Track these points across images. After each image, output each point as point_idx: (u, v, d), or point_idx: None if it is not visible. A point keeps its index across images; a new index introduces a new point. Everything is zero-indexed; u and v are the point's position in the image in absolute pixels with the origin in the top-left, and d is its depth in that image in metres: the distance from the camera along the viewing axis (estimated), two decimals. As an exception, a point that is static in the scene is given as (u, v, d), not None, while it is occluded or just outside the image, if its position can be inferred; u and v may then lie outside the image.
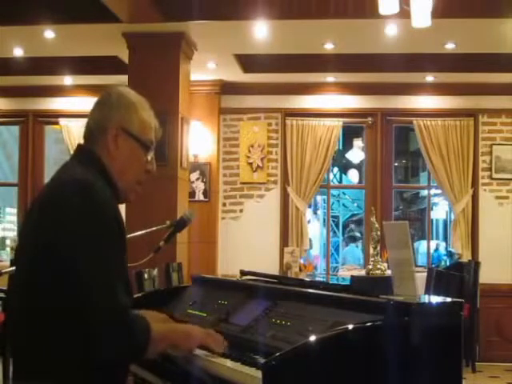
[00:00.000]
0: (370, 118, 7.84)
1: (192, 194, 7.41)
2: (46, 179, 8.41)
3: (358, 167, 14.04)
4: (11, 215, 13.06)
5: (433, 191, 8.80)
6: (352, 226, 16.33)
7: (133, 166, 2.04)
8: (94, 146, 1.99)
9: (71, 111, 8.04)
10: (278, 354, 1.74)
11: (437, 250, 13.14)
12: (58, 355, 1.79)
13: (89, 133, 2.02)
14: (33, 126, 8.22)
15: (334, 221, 15.55)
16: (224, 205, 7.86)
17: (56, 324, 1.78)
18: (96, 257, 1.79)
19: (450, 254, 11.39)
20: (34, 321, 1.81)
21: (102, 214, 1.83)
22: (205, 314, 2.57)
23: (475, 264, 6.92)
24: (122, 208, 6.96)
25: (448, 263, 11.02)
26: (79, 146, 2.05)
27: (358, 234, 14.98)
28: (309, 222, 9.51)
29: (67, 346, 1.78)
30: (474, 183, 7.60)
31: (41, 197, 1.93)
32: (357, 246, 13.93)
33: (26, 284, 1.84)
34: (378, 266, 6.38)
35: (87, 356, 1.78)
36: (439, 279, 5.73)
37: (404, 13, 4.59)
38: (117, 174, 1.99)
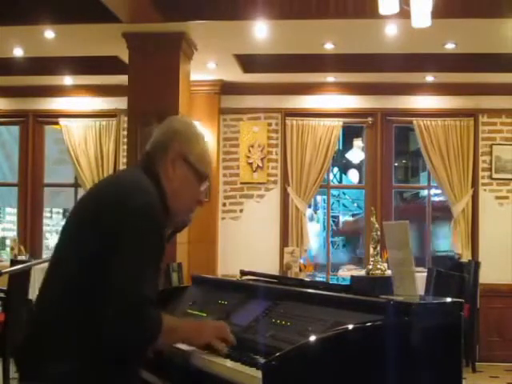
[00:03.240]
0: (370, 118, 7.84)
1: (192, 194, 7.40)
2: (46, 179, 8.41)
3: (358, 167, 14.03)
4: (11, 215, 13.06)
5: (433, 191, 8.80)
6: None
7: (186, 192, 2.14)
8: (155, 163, 2.10)
9: (71, 111, 8.05)
10: (277, 354, 1.74)
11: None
12: (76, 341, 1.85)
13: (152, 150, 2.14)
14: (33, 126, 8.22)
15: (334, 221, 15.55)
16: (224, 205, 7.86)
17: (83, 310, 1.86)
18: (141, 257, 1.89)
19: (450, 254, 11.38)
20: (68, 309, 1.88)
21: (159, 231, 1.96)
22: (205, 314, 2.57)
23: (475, 264, 6.92)
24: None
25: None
26: (147, 155, 2.15)
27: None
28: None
29: (85, 331, 1.84)
30: (474, 183, 7.60)
31: (105, 195, 2.01)
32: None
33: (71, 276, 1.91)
34: (378, 266, 6.38)
35: (100, 338, 1.83)
36: (439, 279, 5.73)
37: (404, 13, 4.59)
38: (170, 196, 2.08)
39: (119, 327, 1.83)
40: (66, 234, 2.04)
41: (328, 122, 7.74)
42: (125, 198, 1.94)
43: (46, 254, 8.24)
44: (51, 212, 12.26)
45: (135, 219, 1.90)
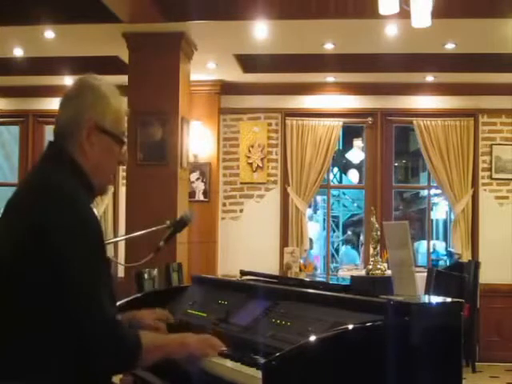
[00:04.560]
0: (369, 118, 7.84)
1: (192, 194, 7.41)
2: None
3: (358, 167, 14.04)
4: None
5: (433, 191, 8.80)
6: (350, 227, 16.37)
7: (107, 162, 1.99)
8: (67, 145, 1.92)
9: (71, 111, 8.04)
10: (277, 354, 1.74)
11: (434, 251, 13.13)
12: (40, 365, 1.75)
13: (60, 130, 1.95)
14: (33, 126, 8.22)
15: (334, 221, 15.55)
16: (224, 205, 7.86)
17: (36, 335, 1.74)
18: (81, 269, 1.75)
19: (450, 254, 11.39)
20: (13, 329, 1.76)
21: (86, 226, 1.80)
22: (205, 314, 2.57)
23: (475, 264, 6.92)
24: (122, 208, 6.96)
25: (448, 263, 11.02)
26: (51, 144, 1.97)
27: (353, 237, 15.04)
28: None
29: (54, 354, 1.74)
30: (474, 183, 7.60)
31: (18, 204, 1.86)
32: (352, 247, 13.96)
33: (4, 295, 1.78)
34: (378, 266, 6.39)
35: (74, 368, 1.75)
36: (439, 279, 5.73)
37: (404, 13, 4.59)
38: (91, 172, 1.94)
39: (95, 357, 1.75)
40: None
41: (328, 121, 7.74)
42: (42, 213, 1.76)
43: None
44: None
45: (61, 236, 1.74)
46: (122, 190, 7.04)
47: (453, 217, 7.95)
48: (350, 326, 1.81)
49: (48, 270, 1.73)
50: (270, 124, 7.83)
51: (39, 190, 1.85)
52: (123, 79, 6.28)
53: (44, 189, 1.84)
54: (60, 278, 1.73)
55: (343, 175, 15.69)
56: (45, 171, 1.91)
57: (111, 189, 2.07)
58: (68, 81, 7.78)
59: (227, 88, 7.73)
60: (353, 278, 5.02)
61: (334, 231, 15.53)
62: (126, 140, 2.05)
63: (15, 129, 8.71)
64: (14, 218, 1.84)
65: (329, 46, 6.42)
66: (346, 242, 15.09)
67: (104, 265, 1.86)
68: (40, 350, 1.74)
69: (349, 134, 13.24)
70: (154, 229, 3.00)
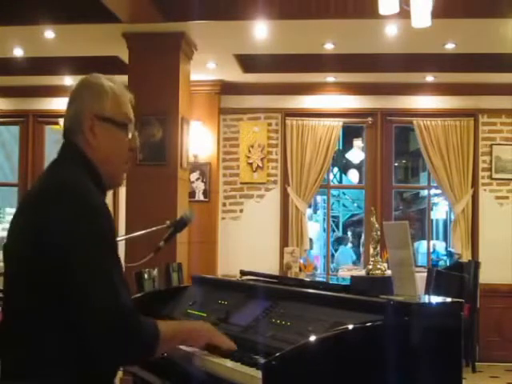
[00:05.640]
0: (369, 118, 7.84)
1: (192, 194, 7.41)
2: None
3: (358, 167, 14.05)
4: (11, 215, 13.06)
5: (433, 191, 8.80)
6: (350, 227, 16.35)
7: (116, 150, 2.00)
8: (76, 141, 1.96)
9: (71, 111, 8.03)
10: (277, 354, 1.74)
11: (434, 251, 13.11)
12: (53, 358, 1.76)
13: (67, 130, 1.99)
14: (33, 126, 8.23)
15: (334, 221, 15.56)
16: (224, 205, 7.86)
17: (50, 328, 1.76)
18: (96, 262, 1.77)
19: (450, 254, 11.39)
20: (26, 324, 1.79)
21: (98, 220, 1.81)
22: (205, 314, 2.57)
23: (475, 264, 6.92)
24: (122, 208, 6.96)
25: (448, 263, 11.03)
26: (63, 143, 2.02)
27: (349, 236, 15.02)
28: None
29: (62, 351, 1.76)
30: (474, 183, 7.60)
31: (33, 198, 1.90)
32: (351, 247, 13.93)
33: (18, 286, 1.82)
34: (378, 266, 6.39)
35: (92, 362, 1.76)
36: (439, 279, 5.73)
37: (404, 13, 4.59)
38: (101, 163, 1.96)
39: (114, 351, 1.76)
40: (8, 248, 1.91)
41: (328, 121, 7.74)
42: (55, 207, 1.80)
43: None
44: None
45: (75, 229, 1.76)
46: (122, 190, 7.03)
47: (453, 217, 7.95)
48: (350, 326, 1.81)
49: (55, 267, 1.74)
50: (270, 124, 7.83)
51: (42, 187, 1.90)
52: (123, 79, 6.28)
53: (46, 186, 1.89)
54: (69, 273, 1.74)
55: (343, 175, 15.70)
56: (50, 168, 1.96)
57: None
58: (68, 81, 7.79)
59: (227, 88, 7.73)
60: (353, 277, 5.02)
61: (334, 231, 15.53)
62: (130, 123, 2.05)
63: (15, 129, 8.72)
64: (22, 218, 1.89)
65: (329, 46, 6.42)
66: (340, 241, 15.04)
67: (116, 254, 1.86)
68: (52, 348, 1.75)
69: (349, 134, 13.25)
70: (154, 229, 3.00)
